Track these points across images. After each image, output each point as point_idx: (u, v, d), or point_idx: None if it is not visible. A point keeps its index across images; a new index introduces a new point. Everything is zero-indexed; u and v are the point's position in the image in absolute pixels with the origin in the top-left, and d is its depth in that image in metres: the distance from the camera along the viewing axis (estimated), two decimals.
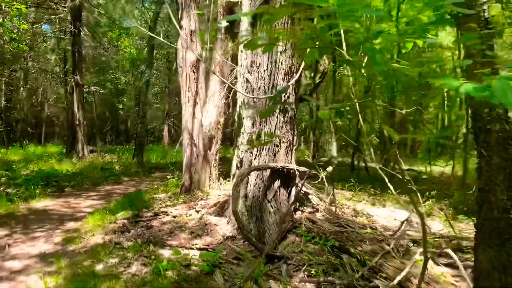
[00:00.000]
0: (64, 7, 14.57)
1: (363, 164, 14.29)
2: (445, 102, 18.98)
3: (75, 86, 15.15)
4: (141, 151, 14.52)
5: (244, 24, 5.40)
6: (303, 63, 5.52)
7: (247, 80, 5.35)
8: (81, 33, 14.95)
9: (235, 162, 5.71)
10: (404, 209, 7.43)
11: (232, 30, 8.34)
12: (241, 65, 5.47)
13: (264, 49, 2.69)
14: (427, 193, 8.49)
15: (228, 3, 8.21)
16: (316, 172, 5.96)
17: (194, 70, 8.34)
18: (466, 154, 9.91)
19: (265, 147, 5.37)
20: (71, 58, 15.90)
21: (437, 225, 6.76)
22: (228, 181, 8.98)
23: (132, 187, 10.23)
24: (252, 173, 5.30)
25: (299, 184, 5.67)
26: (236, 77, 7.77)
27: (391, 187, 5.80)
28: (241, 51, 5.47)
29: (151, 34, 8.09)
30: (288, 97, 5.42)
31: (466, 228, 6.79)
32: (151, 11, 18.34)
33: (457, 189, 9.89)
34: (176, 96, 27.11)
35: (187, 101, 8.34)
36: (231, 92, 7.71)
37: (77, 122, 15.39)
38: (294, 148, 5.66)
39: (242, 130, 5.52)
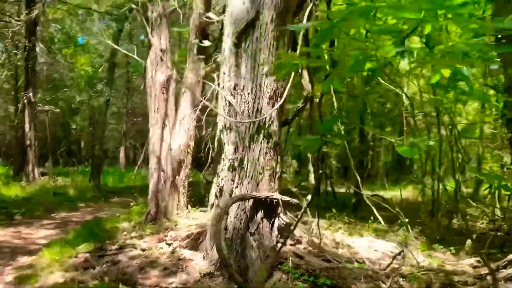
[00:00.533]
0: (19, 21, 13.71)
1: (330, 189, 14.18)
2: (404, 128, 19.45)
3: (27, 104, 14.17)
4: (99, 174, 13.68)
5: (227, 44, 5.08)
6: (288, 87, 5.25)
7: (230, 103, 5.00)
8: (36, 48, 14.09)
9: (214, 191, 5.29)
10: (382, 238, 7.24)
11: (205, 50, 8.01)
12: (223, 87, 5.13)
13: (283, 74, 2.38)
14: (399, 220, 8.36)
15: (201, 23, 7.89)
16: (298, 201, 5.64)
17: (164, 91, 7.89)
18: (439, 181, 9.96)
19: (247, 175, 5.01)
20: (23, 74, 14.93)
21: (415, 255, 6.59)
22: (197, 208, 8.49)
23: (89, 214, 9.48)
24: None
25: (282, 216, 5.33)
26: (209, 99, 7.42)
27: (380, 219, 5.59)
28: (224, 73, 5.13)
29: (122, 50, 7.60)
30: (272, 122, 5.11)
31: (446, 258, 6.67)
32: (111, 28, 17.71)
33: (427, 216, 9.89)
34: (134, 116, 26.27)
35: (155, 123, 7.84)
36: (205, 115, 7.31)
37: (28, 142, 14.34)
38: (278, 176, 5.33)
39: (223, 156, 5.13)
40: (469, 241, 6.94)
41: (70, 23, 19.04)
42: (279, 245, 4.88)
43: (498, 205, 10.37)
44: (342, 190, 16.70)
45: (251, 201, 4.95)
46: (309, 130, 7.41)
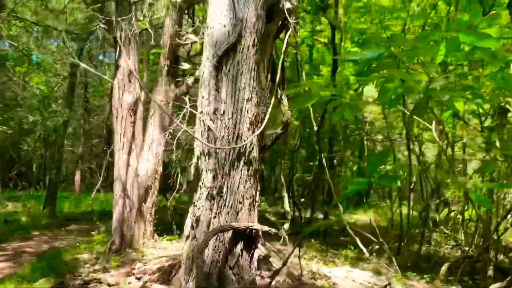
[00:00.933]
0: None
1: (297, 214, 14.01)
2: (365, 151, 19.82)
3: None
4: (54, 200, 12.86)
5: (207, 67, 4.87)
6: (268, 112, 5.10)
7: (209, 129, 4.76)
8: None
9: (189, 221, 4.97)
10: (356, 266, 7.11)
11: (175, 72, 7.78)
12: (201, 112, 4.89)
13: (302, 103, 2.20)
14: (369, 247, 8.28)
15: (173, 44, 7.68)
16: (276, 230, 5.42)
17: (131, 113, 7.54)
18: (409, 206, 10.04)
19: (227, 204, 4.75)
20: None
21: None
22: (164, 237, 8.09)
23: (45, 244, 8.78)
24: None
25: (260, 247, 5.09)
26: (180, 123, 7.14)
27: (365, 250, 5.45)
28: (202, 97, 4.89)
29: (91, 69, 7.21)
30: (253, 149, 4.91)
31: (422, 287, 6.61)
32: (71, 47, 17.01)
33: (395, 242, 9.91)
34: (91, 138, 25.27)
35: (122, 147, 7.45)
36: (175, 139, 7.01)
37: None
38: (257, 204, 5.10)
39: (200, 184, 4.85)
40: (443, 269, 6.94)
41: (26, 40, 18.15)
42: (263, 280, 4.63)
43: (462, 230, 10.60)
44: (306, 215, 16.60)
45: (230, 232, 4.69)
46: (282, 155, 7.27)
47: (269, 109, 5.08)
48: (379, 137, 21.68)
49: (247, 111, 4.81)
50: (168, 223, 8.41)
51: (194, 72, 8.15)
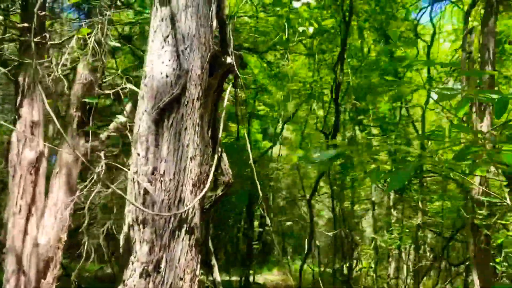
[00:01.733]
0: None
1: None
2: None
3: None
4: None
5: (145, 121, 4.24)
6: (211, 173, 4.60)
7: (146, 192, 4.08)
8: None
9: None
10: None
11: (87, 123, 6.93)
12: (136, 172, 4.20)
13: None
14: None
15: (85, 94, 6.89)
16: None
17: (32, 171, 6.43)
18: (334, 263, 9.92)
19: (165, 281, 4.02)
20: None
21: None
22: None
23: None
24: None
25: None
26: (96, 182, 6.25)
27: None
28: (138, 154, 4.23)
29: None
30: (195, 214, 4.32)
31: None
32: None
33: None
34: None
35: (18, 211, 6.24)
36: (89, 200, 6.04)
37: None
38: (197, 278, 4.43)
39: (132, 258, 4.06)
40: None
41: None
42: None
43: None
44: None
45: None
46: (212, 218, 6.70)
47: (212, 169, 4.60)
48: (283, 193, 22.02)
49: (191, 170, 4.26)
50: None
51: (108, 125, 7.39)
